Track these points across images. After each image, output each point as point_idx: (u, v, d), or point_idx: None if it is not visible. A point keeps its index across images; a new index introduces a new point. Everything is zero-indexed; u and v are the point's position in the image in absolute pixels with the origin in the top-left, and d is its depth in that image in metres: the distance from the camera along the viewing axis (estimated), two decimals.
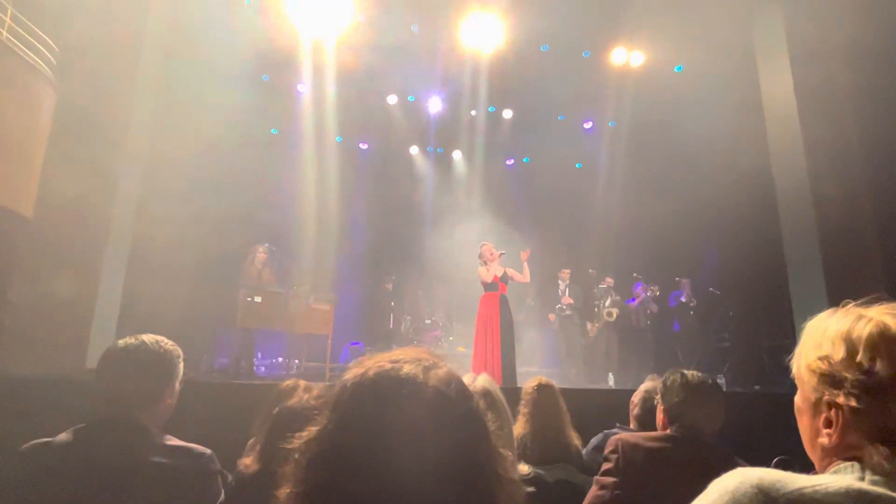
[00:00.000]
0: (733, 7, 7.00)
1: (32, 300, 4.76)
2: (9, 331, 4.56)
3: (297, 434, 0.66)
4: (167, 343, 1.55)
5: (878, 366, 0.66)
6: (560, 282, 7.94)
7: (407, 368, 0.66)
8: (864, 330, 0.69)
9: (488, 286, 5.69)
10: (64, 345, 4.80)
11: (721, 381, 6.82)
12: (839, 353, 0.70)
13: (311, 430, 0.65)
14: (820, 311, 0.78)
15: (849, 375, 0.68)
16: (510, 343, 5.55)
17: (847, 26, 5.91)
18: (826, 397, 0.71)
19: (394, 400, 0.63)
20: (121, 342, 1.52)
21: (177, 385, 1.57)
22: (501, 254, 5.71)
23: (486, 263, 5.72)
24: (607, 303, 7.72)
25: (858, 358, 0.68)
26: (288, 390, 2.01)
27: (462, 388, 0.68)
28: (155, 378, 1.50)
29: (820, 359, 0.73)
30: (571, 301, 7.72)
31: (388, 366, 0.67)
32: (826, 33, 6.16)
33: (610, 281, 7.93)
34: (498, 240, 6.53)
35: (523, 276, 5.84)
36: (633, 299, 7.97)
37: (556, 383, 2.45)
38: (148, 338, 1.53)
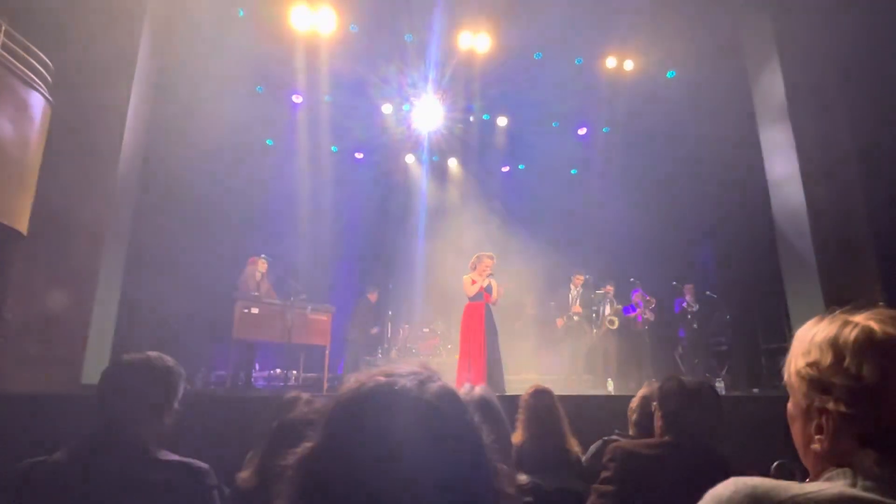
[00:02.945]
0: (723, 12, 7.07)
1: (27, 316, 4.74)
2: (3, 347, 4.52)
3: (292, 450, 0.66)
4: (169, 360, 1.58)
5: (866, 371, 0.67)
6: (572, 287, 7.76)
7: (402, 383, 0.65)
8: (850, 335, 0.70)
9: (473, 296, 5.79)
10: (59, 361, 4.76)
11: (719, 384, 6.80)
12: (827, 359, 0.71)
13: (306, 446, 0.65)
14: (816, 312, 0.79)
15: (837, 381, 0.69)
16: (496, 352, 5.64)
17: (836, 30, 5.98)
18: (816, 403, 0.72)
19: (388, 415, 0.62)
20: (125, 358, 1.55)
21: (177, 401, 1.58)
22: (490, 275, 5.84)
23: (473, 270, 5.83)
24: (606, 310, 7.65)
25: (846, 363, 0.69)
26: (288, 403, 1.99)
27: (457, 402, 0.67)
28: (158, 394, 1.52)
29: (808, 365, 0.73)
30: (581, 310, 7.58)
31: (383, 380, 0.66)
32: (815, 37, 6.22)
33: (609, 288, 7.79)
34: (494, 247, 6.55)
35: (494, 294, 5.87)
36: (632, 307, 7.84)
37: (557, 390, 2.44)
38: (153, 354, 1.57)
